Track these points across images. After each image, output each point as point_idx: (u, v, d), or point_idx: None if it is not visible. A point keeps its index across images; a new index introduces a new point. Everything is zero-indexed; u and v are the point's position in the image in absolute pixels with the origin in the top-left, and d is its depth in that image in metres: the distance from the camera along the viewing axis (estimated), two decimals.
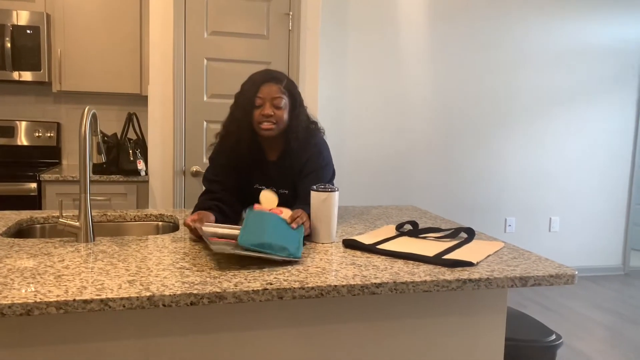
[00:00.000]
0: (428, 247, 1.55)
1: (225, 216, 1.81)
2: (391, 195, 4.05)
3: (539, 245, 4.46)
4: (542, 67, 4.29)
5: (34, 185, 3.07)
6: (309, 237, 1.65)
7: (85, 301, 1.09)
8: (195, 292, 1.15)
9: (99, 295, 1.11)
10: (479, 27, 4.09)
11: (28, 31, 3.20)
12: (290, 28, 3.25)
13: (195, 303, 1.15)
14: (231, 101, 1.94)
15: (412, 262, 1.43)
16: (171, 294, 1.14)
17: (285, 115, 1.84)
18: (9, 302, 1.06)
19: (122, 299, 1.11)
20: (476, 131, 4.20)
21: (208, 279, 1.24)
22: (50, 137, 3.58)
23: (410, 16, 3.93)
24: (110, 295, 1.11)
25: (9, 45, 3.17)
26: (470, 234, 1.70)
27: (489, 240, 1.72)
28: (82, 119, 1.55)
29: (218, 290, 1.17)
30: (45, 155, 3.58)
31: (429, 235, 1.69)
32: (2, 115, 3.58)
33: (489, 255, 1.51)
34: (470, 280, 1.31)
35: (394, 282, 1.26)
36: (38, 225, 1.90)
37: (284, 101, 1.83)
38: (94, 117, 1.63)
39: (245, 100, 1.82)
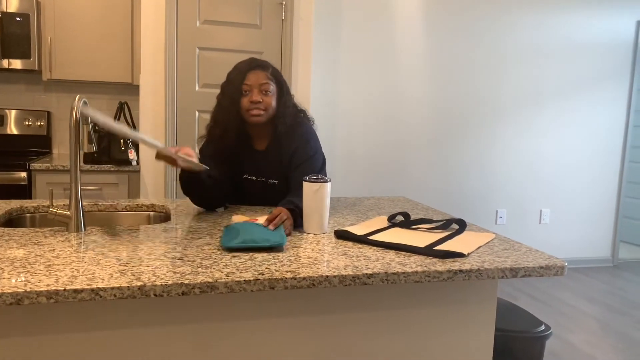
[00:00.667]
0: (420, 238, 1.55)
1: (211, 177, 1.80)
2: (383, 187, 4.06)
3: (529, 237, 4.49)
4: (533, 61, 4.30)
5: (24, 174, 3.05)
6: (301, 229, 1.65)
7: (75, 290, 1.09)
8: (186, 282, 1.15)
9: (90, 285, 1.11)
10: (471, 20, 4.09)
11: (18, 18, 3.16)
12: (284, 18, 3.23)
13: (186, 293, 1.15)
14: None
15: (403, 253, 1.43)
16: (162, 283, 1.14)
17: (273, 102, 1.84)
18: None
19: (112, 288, 1.11)
20: (468, 124, 4.21)
21: (199, 269, 1.23)
22: (40, 126, 3.55)
23: (405, 7, 3.92)
24: (101, 285, 1.11)
25: None
26: (462, 225, 1.70)
27: (480, 231, 1.73)
28: (72, 108, 1.54)
29: (209, 280, 1.17)
30: (36, 144, 3.55)
31: (420, 226, 1.70)
32: None
33: (479, 247, 1.52)
34: (461, 271, 1.31)
35: (386, 272, 1.26)
36: (28, 215, 1.88)
37: (272, 87, 1.83)
38: (85, 105, 1.62)
39: (232, 88, 1.82)
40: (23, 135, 3.54)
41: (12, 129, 3.52)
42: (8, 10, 3.15)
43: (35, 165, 3.07)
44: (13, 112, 3.52)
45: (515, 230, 4.44)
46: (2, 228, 1.55)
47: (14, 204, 1.91)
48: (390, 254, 1.41)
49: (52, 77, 3.31)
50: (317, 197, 1.60)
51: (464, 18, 4.07)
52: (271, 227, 1.51)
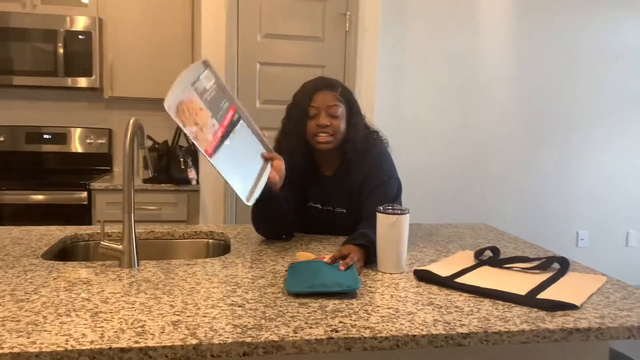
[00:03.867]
0: (516, 281, 1.32)
1: (286, 200, 1.66)
2: (454, 206, 3.79)
3: (614, 261, 4.08)
4: (632, 65, 3.91)
5: (84, 194, 3.00)
6: (375, 266, 1.45)
7: (122, 349, 0.94)
8: (248, 340, 0.98)
9: (138, 342, 0.95)
10: (556, 21, 3.77)
11: (80, 37, 3.15)
12: (347, 29, 3.06)
13: (248, 354, 0.98)
14: (285, 107, 1.78)
15: (501, 302, 1.20)
16: (221, 342, 0.97)
17: (342, 125, 1.66)
18: (37, 349, 0.92)
19: (164, 347, 0.95)
20: (547, 135, 3.88)
21: (263, 322, 1.06)
22: (102, 143, 3.53)
23: (477, 12, 3.67)
24: (150, 343, 0.95)
25: (61, 51, 3.13)
26: (564, 264, 1.45)
27: (586, 272, 1.47)
28: (126, 132, 1.41)
29: (275, 338, 0.99)
30: (98, 162, 3.53)
31: (514, 265, 1.46)
32: (55, 122, 3.55)
33: (592, 294, 1.27)
34: (577, 329, 1.08)
35: (485, 331, 1.04)
36: (82, 243, 1.78)
37: (341, 109, 1.65)
38: (140, 129, 1.50)
39: (298, 110, 1.65)
40: (85, 154, 3.52)
41: (75, 147, 3.51)
42: (72, 29, 3.14)
43: (95, 185, 3.02)
44: (76, 130, 3.51)
45: (599, 254, 4.05)
46: (53, 262, 1.44)
47: (69, 230, 1.82)
48: (486, 304, 1.19)
49: (113, 94, 3.27)
50: (393, 231, 1.40)
51: (548, 19, 3.76)
52: (342, 267, 1.32)
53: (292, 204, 1.70)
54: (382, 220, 1.41)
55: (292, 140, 1.70)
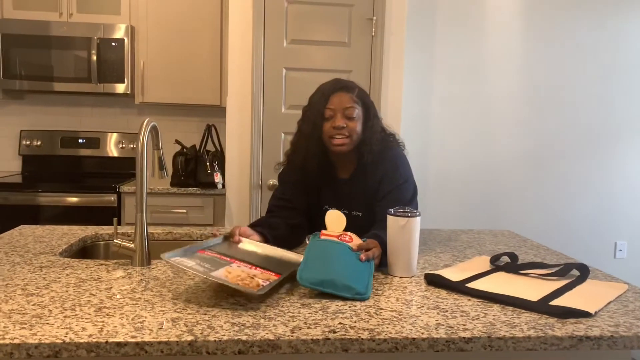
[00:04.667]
0: (531, 288, 1.27)
1: (271, 228, 1.61)
2: (481, 214, 3.71)
3: None
4: None
5: (113, 197, 3.08)
6: (385, 270, 1.43)
7: (118, 344, 0.95)
8: (244, 338, 0.97)
9: (135, 337, 0.96)
10: (580, 25, 3.67)
11: (113, 44, 3.24)
12: (374, 34, 3.05)
13: (243, 352, 0.97)
14: None
15: (511, 307, 1.16)
16: (216, 339, 0.96)
17: (358, 127, 1.64)
18: (37, 341, 0.93)
19: (160, 343, 0.95)
20: (581, 140, 3.76)
21: (262, 321, 1.05)
22: (133, 148, 3.61)
23: (504, 17, 3.60)
24: (147, 338, 0.96)
25: (95, 58, 3.22)
26: (584, 271, 1.39)
27: (606, 280, 1.41)
28: (140, 133, 1.44)
29: (271, 337, 0.98)
30: (129, 167, 3.61)
31: (531, 271, 1.41)
32: (89, 127, 3.66)
33: (609, 302, 1.21)
34: (587, 337, 1.03)
35: (489, 337, 1.01)
36: (102, 243, 1.82)
37: (357, 111, 1.64)
38: (155, 129, 1.52)
39: (314, 112, 1.65)
40: (118, 158, 3.61)
41: (108, 151, 3.61)
42: (105, 36, 3.23)
43: (125, 188, 3.09)
44: (108, 135, 3.61)
45: (638, 265, 3.88)
46: (69, 259, 1.48)
47: (90, 230, 1.86)
48: (495, 310, 1.15)
49: (144, 100, 3.35)
50: (404, 233, 1.37)
51: (572, 24, 3.66)
52: (362, 256, 1.32)
53: (296, 223, 1.69)
54: (392, 223, 1.38)
55: (308, 142, 1.69)
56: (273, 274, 1.26)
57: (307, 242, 1.38)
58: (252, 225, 1.62)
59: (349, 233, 1.42)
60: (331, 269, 1.24)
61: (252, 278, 1.19)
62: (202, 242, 1.40)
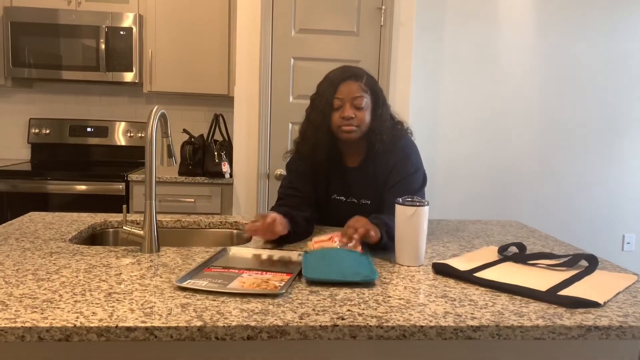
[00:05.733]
0: (539, 278, 1.27)
1: (295, 223, 1.58)
2: (490, 205, 3.70)
3: None
4: None
5: (121, 185, 3.09)
6: (392, 258, 1.43)
7: (128, 328, 0.95)
8: (253, 324, 0.98)
9: (145, 322, 0.96)
10: (590, 19, 3.63)
11: (121, 32, 3.24)
12: (382, 23, 3.03)
13: (252, 337, 0.98)
14: None
15: (519, 297, 1.16)
16: (225, 325, 0.97)
17: (367, 116, 1.64)
18: (48, 324, 0.94)
19: (169, 328, 0.96)
20: (589, 133, 3.73)
21: (271, 307, 1.06)
22: (141, 137, 3.62)
23: (516, 10, 3.56)
24: (157, 323, 0.96)
25: (103, 46, 3.23)
26: (592, 262, 1.39)
27: (615, 271, 1.40)
28: (148, 121, 1.44)
29: (280, 323, 0.98)
30: (137, 155, 3.62)
31: (539, 262, 1.41)
32: (98, 115, 3.67)
33: (618, 293, 1.21)
34: (596, 327, 1.03)
35: (497, 325, 1.01)
36: (111, 230, 1.83)
37: (366, 100, 1.63)
38: (164, 117, 1.52)
39: (323, 102, 1.64)
40: (126, 147, 3.62)
41: (116, 140, 3.62)
42: (113, 25, 3.23)
43: (133, 176, 3.10)
44: (117, 123, 3.62)
45: None
46: (79, 245, 1.49)
47: (99, 217, 1.87)
48: (503, 299, 1.15)
49: (152, 89, 3.35)
50: (412, 223, 1.37)
51: (582, 18, 3.62)
52: (351, 245, 1.36)
53: (310, 216, 1.69)
54: (401, 212, 1.38)
55: (317, 131, 1.69)
56: (284, 274, 1.26)
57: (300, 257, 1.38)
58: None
59: (336, 233, 1.44)
60: (334, 263, 1.27)
61: (267, 282, 1.20)
62: (204, 261, 1.37)
